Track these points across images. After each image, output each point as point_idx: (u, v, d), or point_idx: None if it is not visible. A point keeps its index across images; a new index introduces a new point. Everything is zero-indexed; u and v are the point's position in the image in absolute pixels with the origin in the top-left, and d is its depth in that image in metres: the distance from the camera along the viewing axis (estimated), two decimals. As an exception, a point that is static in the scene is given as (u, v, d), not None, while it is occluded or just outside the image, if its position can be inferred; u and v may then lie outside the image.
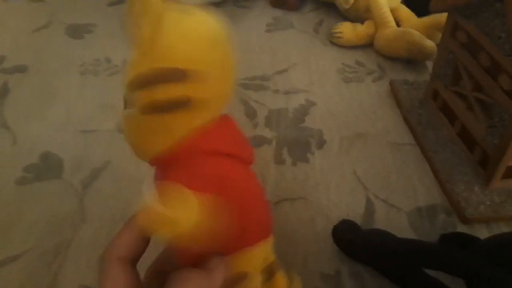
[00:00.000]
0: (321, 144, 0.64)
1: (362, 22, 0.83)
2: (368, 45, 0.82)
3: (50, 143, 0.65)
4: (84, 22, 0.92)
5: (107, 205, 0.57)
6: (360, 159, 0.62)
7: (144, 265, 0.30)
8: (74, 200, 0.57)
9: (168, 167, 0.28)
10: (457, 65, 0.60)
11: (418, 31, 0.77)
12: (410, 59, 0.77)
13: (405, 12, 0.83)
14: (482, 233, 0.53)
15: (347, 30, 0.81)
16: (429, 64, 0.78)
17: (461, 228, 0.53)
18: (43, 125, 0.68)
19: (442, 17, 0.66)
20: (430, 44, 0.73)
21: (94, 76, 0.78)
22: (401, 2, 0.86)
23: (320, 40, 0.85)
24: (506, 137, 0.51)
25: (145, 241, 0.28)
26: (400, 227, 0.53)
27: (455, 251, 0.41)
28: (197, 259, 0.28)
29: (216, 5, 0.94)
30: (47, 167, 0.62)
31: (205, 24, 0.29)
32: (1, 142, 0.66)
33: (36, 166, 0.62)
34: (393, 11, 0.82)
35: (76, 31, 0.89)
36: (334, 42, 0.83)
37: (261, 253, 0.33)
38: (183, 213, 0.24)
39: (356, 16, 0.85)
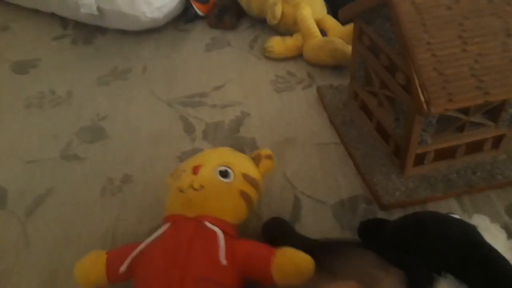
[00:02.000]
0: (254, 150, 0.68)
1: (292, 35, 0.89)
2: (298, 56, 0.88)
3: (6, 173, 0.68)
4: (30, 57, 0.95)
5: (50, 228, 0.59)
6: (290, 162, 0.66)
7: None
8: (17, 227, 0.60)
9: None
10: (367, 66, 0.65)
11: (343, 39, 0.83)
12: (336, 66, 0.83)
13: (331, 22, 0.89)
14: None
15: (277, 43, 0.87)
16: (354, 68, 0.84)
17: (380, 215, 0.58)
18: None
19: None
20: (350, 49, 0.79)
21: (38, 108, 0.81)
22: (328, 13, 0.92)
23: (254, 55, 0.91)
24: (407, 127, 0.56)
25: None
26: (325, 219, 0.58)
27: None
28: None
29: (157, 30, 0.99)
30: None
31: None
32: None
33: (-21, 199, 0.64)
34: (319, 22, 0.88)
35: (21, 67, 0.93)
36: (267, 56, 0.88)
37: None
38: None
39: (286, 30, 0.91)
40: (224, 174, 0.49)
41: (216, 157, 0.52)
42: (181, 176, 0.50)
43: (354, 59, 0.69)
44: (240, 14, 1.01)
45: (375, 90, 0.64)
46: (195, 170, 0.49)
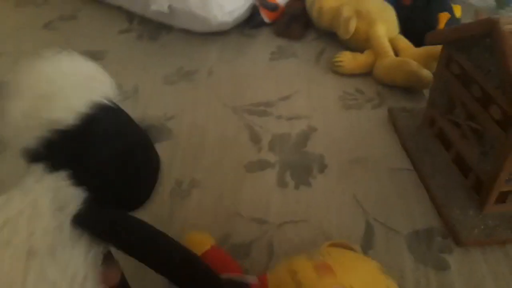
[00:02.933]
0: (323, 168, 0.67)
1: (361, 51, 0.87)
2: (367, 73, 0.86)
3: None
4: (97, 48, 0.97)
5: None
6: (360, 183, 0.64)
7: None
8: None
9: None
10: (451, 95, 0.63)
11: (416, 60, 0.80)
12: (408, 87, 0.81)
13: (403, 43, 0.87)
14: (477, 256, 0.55)
15: (347, 59, 0.86)
16: (426, 92, 0.81)
17: (456, 250, 0.55)
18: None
19: (438, 48, 0.70)
20: (426, 73, 0.77)
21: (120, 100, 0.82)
22: (399, 33, 0.90)
23: (321, 68, 0.89)
24: (497, 164, 0.53)
25: None
26: (399, 249, 0.56)
27: None
28: None
29: (222, 33, 0.99)
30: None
31: None
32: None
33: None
34: (391, 41, 0.86)
35: (89, 57, 0.94)
36: (335, 70, 0.87)
37: None
38: None
39: (356, 46, 0.89)
40: None
41: None
42: None
43: (436, 86, 0.67)
44: (307, 25, 1.00)
45: (459, 121, 0.62)
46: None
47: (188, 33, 1.00)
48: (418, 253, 0.55)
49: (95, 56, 0.94)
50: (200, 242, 0.51)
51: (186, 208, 0.61)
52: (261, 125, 0.76)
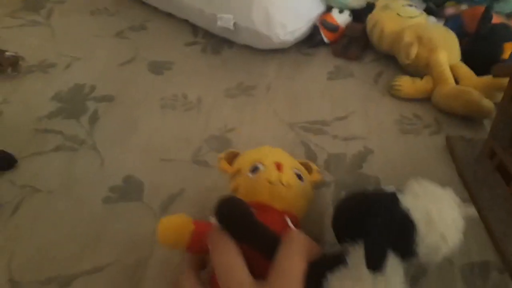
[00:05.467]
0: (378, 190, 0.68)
1: (420, 76, 0.88)
2: (425, 99, 0.86)
3: (133, 167, 0.74)
4: (164, 59, 1.03)
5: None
6: (415, 210, 0.65)
7: None
8: (153, 221, 0.65)
9: None
10: (516, 129, 0.63)
11: (477, 89, 0.80)
12: (467, 116, 0.81)
13: (465, 70, 0.87)
14: (536, 294, 0.54)
15: (406, 83, 0.86)
16: (486, 122, 0.81)
17: (514, 288, 0.55)
18: (127, 151, 0.78)
19: (503, 78, 0.70)
20: (488, 104, 0.77)
21: (172, 110, 0.87)
22: (461, 61, 0.90)
23: (379, 90, 0.91)
24: None
25: None
26: (453, 281, 0.56)
27: None
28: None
29: (281, 50, 1.02)
30: (129, 189, 0.70)
31: None
32: (91, 163, 0.75)
33: (120, 188, 0.71)
34: (452, 68, 0.86)
35: (157, 67, 1.01)
36: (392, 93, 0.88)
37: None
38: None
39: (416, 71, 0.90)
40: (299, 177, 0.56)
41: (286, 158, 0.58)
42: (262, 169, 0.55)
43: (500, 118, 0.67)
44: (366, 46, 1.02)
45: (522, 155, 0.62)
46: (280, 168, 0.55)
47: (249, 49, 1.04)
48: (472, 286, 0.55)
49: (163, 66, 1.01)
50: (181, 223, 0.50)
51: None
52: (316, 143, 0.78)
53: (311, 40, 1.04)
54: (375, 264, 0.39)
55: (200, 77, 0.97)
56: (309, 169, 0.62)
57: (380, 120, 0.83)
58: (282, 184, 0.53)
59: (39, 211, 0.67)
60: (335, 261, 0.43)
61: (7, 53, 0.96)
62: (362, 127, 0.82)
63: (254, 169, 0.55)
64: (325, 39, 1.03)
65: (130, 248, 0.61)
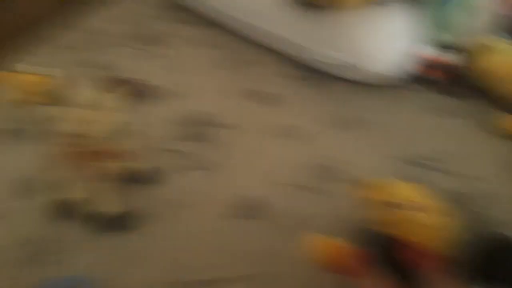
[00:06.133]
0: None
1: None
2: None
3: (258, 189, 0.83)
4: (272, 91, 1.12)
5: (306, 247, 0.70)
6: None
7: None
8: (283, 240, 0.72)
9: None
10: None
11: None
12: None
13: None
14: None
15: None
16: None
17: None
18: (251, 174, 0.87)
19: None
20: None
21: (284, 138, 0.96)
22: None
23: (485, 130, 0.93)
24: None
25: None
26: None
27: None
28: None
29: (386, 86, 1.08)
30: (257, 209, 0.79)
31: None
32: (216, 183, 0.85)
33: (249, 207, 0.80)
34: None
35: (266, 98, 1.10)
36: (500, 134, 0.90)
37: None
38: None
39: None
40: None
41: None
42: (417, 210, 0.57)
43: None
44: (471, 84, 1.04)
45: None
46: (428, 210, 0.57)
47: (352, 83, 1.11)
48: None
49: (271, 97, 1.10)
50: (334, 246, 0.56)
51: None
52: (431, 179, 0.82)
53: (414, 76, 1.08)
54: None
55: (307, 109, 1.05)
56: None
57: (489, 162, 0.85)
58: (438, 228, 0.56)
59: (183, 221, 0.77)
60: None
61: (136, 81, 1.11)
62: (475, 167, 0.84)
63: (407, 207, 0.58)
64: (432, 77, 1.06)
65: (267, 260, 0.69)
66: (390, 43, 1.02)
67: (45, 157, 0.91)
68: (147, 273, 0.69)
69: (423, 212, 0.58)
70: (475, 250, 0.51)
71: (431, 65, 1.06)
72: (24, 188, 0.85)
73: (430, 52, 1.07)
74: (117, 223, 0.75)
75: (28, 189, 0.84)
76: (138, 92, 1.12)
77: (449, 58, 1.08)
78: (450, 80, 1.05)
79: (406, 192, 0.61)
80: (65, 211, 0.77)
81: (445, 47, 1.08)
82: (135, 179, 0.84)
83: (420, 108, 1.01)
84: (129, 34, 1.44)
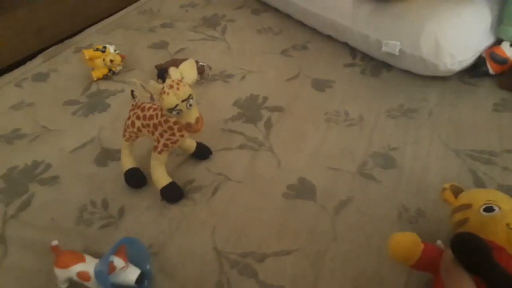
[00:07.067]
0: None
1: None
2: None
3: (304, 171, 0.84)
4: (325, 78, 1.13)
5: (354, 232, 0.71)
6: None
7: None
8: (327, 220, 0.74)
9: None
10: None
11: None
12: None
13: None
14: None
15: None
16: None
17: None
18: (299, 156, 0.88)
19: None
20: None
21: (335, 124, 0.96)
22: None
23: (551, 127, 0.88)
24: None
25: None
26: None
27: None
28: None
29: (442, 78, 1.05)
30: (304, 189, 0.80)
31: None
32: (269, 162, 0.87)
33: (295, 187, 0.81)
34: None
35: (319, 84, 1.11)
36: None
37: None
38: None
39: None
40: None
41: None
42: (498, 211, 0.55)
43: None
44: (538, 81, 0.99)
45: None
46: None
47: (408, 74, 1.09)
48: None
49: (324, 84, 1.11)
50: (413, 241, 0.55)
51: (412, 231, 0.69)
52: (485, 172, 0.79)
53: (475, 70, 1.04)
54: None
55: (360, 96, 1.04)
56: None
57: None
58: None
59: (232, 196, 0.80)
60: None
61: (199, 64, 1.15)
62: (535, 163, 0.80)
63: (488, 209, 0.57)
64: (491, 71, 1.02)
65: (310, 240, 0.71)
66: (457, 35, 0.99)
67: (113, 128, 0.99)
68: (195, 242, 0.72)
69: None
70: None
71: (497, 60, 1.02)
72: (101, 156, 0.92)
73: (497, 47, 1.03)
74: (171, 194, 0.79)
75: (104, 157, 0.92)
76: (200, 73, 1.16)
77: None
78: (516, 75, 1.00)
79: (504, 202, 0.58)
80: (129, 179, 0.83)
81: (512, 41, 1.04)
82: (192, 154, 0.88)
83: (483, 103, 0.97)
84: (195, 21, 1.50)
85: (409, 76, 1.09)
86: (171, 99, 0.62)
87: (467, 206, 0.59)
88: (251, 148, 0.91)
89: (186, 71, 0.67)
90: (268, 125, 0.98)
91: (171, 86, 0.63)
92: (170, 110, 0.63)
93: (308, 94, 1.08)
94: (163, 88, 0.63)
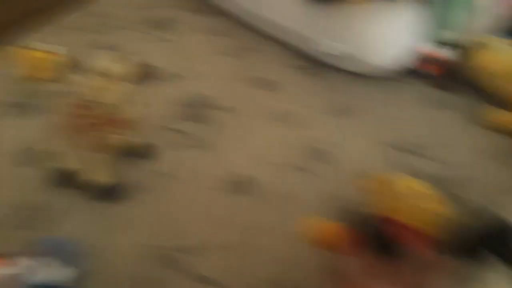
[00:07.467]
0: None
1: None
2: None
3: (246, 167, 0.87)
4: (270, 78, 1.16)
5: (289, 223, 0.74)
6: None
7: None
8: (268, 213, 0.76)
9: None
10: None
11: None
12: None
13: None
14: None
15: (502, 116, 0.91)
16: None
17: None
18: (245, 154, 0.91)
19: None
20: None
21: (278, 122, 0.99)
22: None
23: (474, 122, 0.96)
24: None
25: None
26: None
27: None
28: None
29: (380, 77, 1.11)
30: (244, 185, 0.83)
31: None
32: (213, 161, 0.89)
33: (237, 183, 0.83)
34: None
35: (264, 85, 1.14)
36: (487, 126, 0.93)
37: None
38: None
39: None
40: None
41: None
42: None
43: None
44: (465, 80, 1.07)
45: None
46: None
47: (350, 74, 1.14)
48: None
49: (269, 84, 1.14)
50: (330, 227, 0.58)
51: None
52: (416, 165, 0.85)
53: (411, 69, 1.11)
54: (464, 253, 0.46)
55: (304, 96, 1.08)
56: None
57: (478, 150, 0.88)
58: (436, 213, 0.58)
59: (174, 194, 0.81)
60: None
61: (144, 64, 1.15)
62: (459, 154, 0.87)
63: (394, 189, 0.61)
64: (425, 70, 1.09)
65: (251, 233, 0.73)
66: (391, 37, 1.05)
67: (47, 129, 0.96)
68: (133, 239, 0.73)
69: (420, 199, 0.60)
70: (468, 231, 0.52)
71: (428, 60, 1.09)
72: (25, 157, 0.89)
73: (428, 48, 1.10)
74: (109, 193, 0.79)
75: (28, 158, 0.89)
76: (142, 73, 1.16)
77: (445, 53, 1.11)
78: (445, 75, 1.07)
79: (403, 182, 0.63)
80: (62, 180, 0.82)
81: (443, 43, 1.11)
82: (131, 153, 0.88)
83: (413, 100, 1.04)
84: (137, 19, 1.49)
85: (350, 76, 1.14)
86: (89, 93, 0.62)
87: (383, 190, 0.63)
88: (195, 147, 0.93)
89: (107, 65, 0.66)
90: (213, 124, 1.00)
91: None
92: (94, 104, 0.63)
93: (253, 94, 1.10)
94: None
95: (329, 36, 1.10)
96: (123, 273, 0.67)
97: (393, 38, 1.05)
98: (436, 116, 0.98)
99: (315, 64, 1.20)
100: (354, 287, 0.50)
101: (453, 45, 1.11)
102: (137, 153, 0.89)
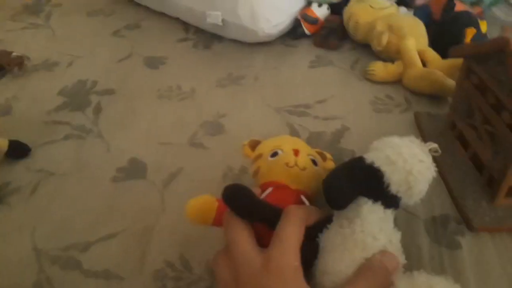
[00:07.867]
0: (354, 162, 0.78)
1: (392, 61, 0.97)
2: (397, 81, 0.96)
3: (135, 151, 0.83)
4: (158, 55, 1.12)
5: (183, 200, 0.72)
6: (386, 176, 0.74)
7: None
8: (156, 195, 0.74)
9: None
10: (470, 102, 0.72)
11: (442, 71, 0.89)
12: (434, 95, 0.90)
13: (431, 55, 0.96)
14: (487, 240, 0.64)
15: (379, 68, 0.96)
16: (450, 100, 0.90)
17: (468, 234, 0.64)
18: (130, 137, 0.86)
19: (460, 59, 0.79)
20: (451, 82, 0.86)
21: (168, 100, 0.96)
22: (429, 46, 0.99)
23: (355, 76, 1.00)
24: (507, 162, 0.62)
25: None
26: (417, 230, 0.65)
27: None
28: None
29: (267, 43, 1.11)
30: (134, 169, 0.79)
31: None
32: (98, 149, 0.84)
33: (125, 169, 0.79)
34: (420, 53, 0.96)
35: (152, 62, 1.09)
36: (367, 78, 0.97)
37: None
38: None
39: (388, 57, 0.99)
40: (314, 162, 0.63)
41: (304, 147, 0.66)
42: (281, 154, 0.62)
43: (457, 94, 0.76)
44: (344, 37, 1.11)
45: (476, 124, 0.71)
46: (297, 153, 0.62)
47: (236, 43, 1.13)
48: (434, 234, 0.65)
49: (157, 61, 1.09)
50: (205, 202, 0.57)
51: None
52: (300, 124, 0.87)
53: (293, 32, 1.13)
54: (334, 203, 0.48)
55: (192, 70, 1.06)
56: (324, 158, 0.70)
57: (356, 102, 0.92)
58: (298, 167, 0.60)
59: (55, 191, 0.75)
60: (326, 222, 0.52)
61: (13, 54, 1.04)
62: (340, 108, 0.91)
63: (274, 154, 0.62)
64: (306, 32, 1.12)
65: (138, 218, 0.70)
66: (272, 2, 1.05)
67: None
68: (15, 246, 0.67)
69: (295, 157, 0.61)
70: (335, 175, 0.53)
71: (311, 21, 1.11)
72: None
73: (310, 9, 1.12)
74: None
75: None
76: (17, 64, 1.05)
77: (327, 13, 1.14)
78: (328, 33, 1.11)
79: (287, 144, 0.64)
80: None
81: (323, 3, 1.14)
82: (8, 153, 0.80)
83: (301, 62, 1.06)
84: (15, 8, 1.34)
85: (237, 45, 1.13)
86: None
87: (259, 156, 0.64)
88: (78, 137, 0.86)
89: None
90: (97, 110, 0.94)
91: None
92: None
93: (140, 73, 1.05)
94: None
95: (212, 6, 1.07)
96: (10, 284, 0.61)
97: (272, 1, 1.05)
98: (322, 75, 1.01)
99: (205, 38, 1.18)
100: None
101: (330, 3, 1.15)
102: (12, 153, 0.80)
